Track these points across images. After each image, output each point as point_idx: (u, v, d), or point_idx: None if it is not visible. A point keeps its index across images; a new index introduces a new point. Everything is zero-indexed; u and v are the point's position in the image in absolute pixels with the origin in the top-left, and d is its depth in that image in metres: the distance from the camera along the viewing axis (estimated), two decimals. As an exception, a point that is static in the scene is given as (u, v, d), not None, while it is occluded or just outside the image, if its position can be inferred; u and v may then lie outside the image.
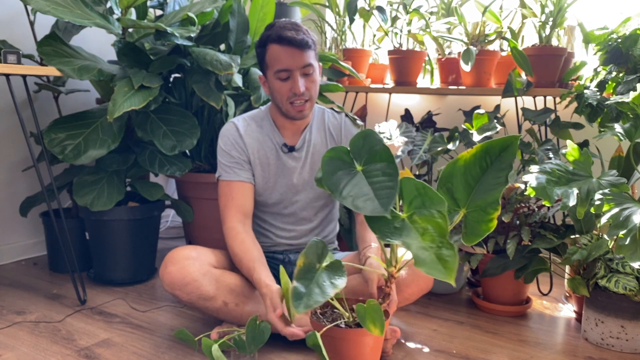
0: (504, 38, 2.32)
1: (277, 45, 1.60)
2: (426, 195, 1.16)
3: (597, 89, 1.99)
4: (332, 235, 1.94)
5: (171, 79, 2.31)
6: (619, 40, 1.93)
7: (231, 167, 1.74)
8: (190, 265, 1.57)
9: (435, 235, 1.12)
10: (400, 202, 1.20)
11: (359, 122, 1.88)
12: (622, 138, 1.66)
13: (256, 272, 1.55)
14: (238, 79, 2.04)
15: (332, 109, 1.88)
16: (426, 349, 1.69)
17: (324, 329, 1.29)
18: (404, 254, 1.36)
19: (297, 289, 1.19)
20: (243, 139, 1.75)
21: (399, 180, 1.16)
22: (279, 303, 1.44)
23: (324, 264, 1.25)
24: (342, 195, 1.17)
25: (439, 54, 2.53)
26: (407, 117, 2.50)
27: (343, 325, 1.36)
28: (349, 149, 1.25)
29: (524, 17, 2.28)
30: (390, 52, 2.57)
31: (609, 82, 1.98)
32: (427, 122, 2.42)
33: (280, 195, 1.79)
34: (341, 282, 1.21)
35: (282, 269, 1.36)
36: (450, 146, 2.09)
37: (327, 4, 2.61)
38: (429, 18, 2.45)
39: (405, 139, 2.06)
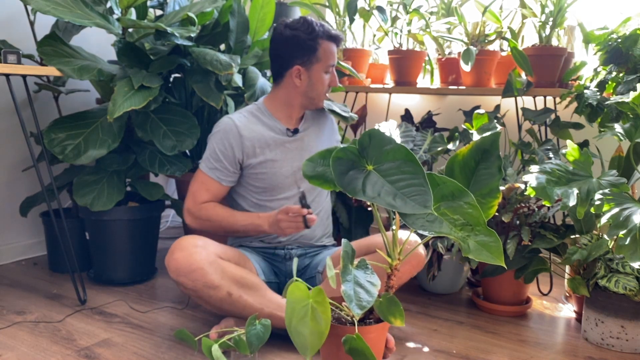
0: (504, 38, 2.32)
1: (328, 42, 1.75)
2: (447, 188, 1.22)
3: (597, 89, 1.99)
4: (330, 228, 1.98)
5: (171, 79, 2.31)
6: (619, 40, 1.93)
7: (217, 168, 1.79)
8: (198, 253, 1.58)
9: (468, 224, 1.19)
10: None
11: (350, 116, 1.99)
12: (622, 138, 1.66)
13: (251, 215, 1.75)
14: (238, 79, 2.04)
15: None
16: (426, 349, 1.69)
17: (355, 328, 1.28)
18: (404, 244, 1.37)
19: (345, 291, 1.21)
20: (242, 136, 1.77)
21: (425, 175, 1.17)
22: (291, 206, 1.63)
23: (355, 263, 1.30)
24: (368, 194, 1.17)
25: (439, 54, 2.53)
26: (407, 117, 2.50)
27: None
28: (357, 147, 1.25)
29: (524, 17, 2.28)
30: (390, 52, 2.57)
31: (609, 82, 1.98)
32: (427, 122, 2.42)
33: (287, 179, 1.82)
34: (376, 280, 1.26)
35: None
36: (450, 146, 2.10)
37: (327, 4, 2.61)
38: (429, 18, 2.45)
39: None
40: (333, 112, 2.02)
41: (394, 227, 1.36)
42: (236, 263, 1.70)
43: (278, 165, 1.81)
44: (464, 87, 2.42)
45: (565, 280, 1.96)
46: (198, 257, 1.57)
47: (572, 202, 1.53)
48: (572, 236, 1.80)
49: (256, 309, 1.61)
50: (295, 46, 1.74)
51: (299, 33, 1.73)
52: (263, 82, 2.13)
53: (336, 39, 1.78)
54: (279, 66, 1.79)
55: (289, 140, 1.83)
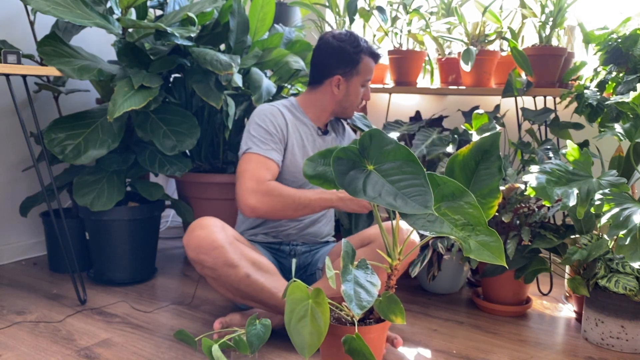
0: (504, 38, 2.32)
1: (370, 58, 1.85)
2: (448, 188, 1.22)
3: (597, 89, 1.99)
4: (332, 226, 2.02)
5: (171, 79, 2.31)
6: (619, 40, 1.93)
7: (274, 149, 1.78)
8: (218, 233, 1.61)
9: (469, 224, 1.19)
10: None
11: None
12: (622, 138, 1.66)
13: (316, 191, 1.73)
14: (238, 79, 2.04)
15: None
16: (426, 349, 1.69)
17: (355, 328, 1.28)
18: (404, 245, 1.37)
19: (345, 291, 1.21)
20: (287, 123, 1.82)
21: (426, 176, 1.16)
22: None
23: (355, 263, 1.31)
24: (369, 195, 1.17)
25: (439, 54, 2.53)
26: (416, 119, 2.51)
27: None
28: (357, 147, 1.25)
29: (524, 17, 2.28)
30: (390, 52, 2.58)
31: (609, 82, 1.98)
32: (435, 123, 2.42)
33: None
34: (376, 280, 1.25)
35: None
36: (449, 149, 2.09)
37: (327, 4, 2.61)
38: (429, 18, 2.45)
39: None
40: (357, 127, 2.07)
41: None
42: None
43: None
44: (464, 87, 2.42)
45: (565, 280, 1.96)
46: (219, 236, 1.60)
47: (572, 202, 1.53)
48: (572, 236, 1.80)
49: (272, 292, 1.63)
50: (339, 57, 1.81)
51: (346, 45, 1.81)
52: (268, 83, 2.13)
53: (377, 57, 1.87)
54: (320, 73, 1.85)
55: (318, 139, 1.91)
